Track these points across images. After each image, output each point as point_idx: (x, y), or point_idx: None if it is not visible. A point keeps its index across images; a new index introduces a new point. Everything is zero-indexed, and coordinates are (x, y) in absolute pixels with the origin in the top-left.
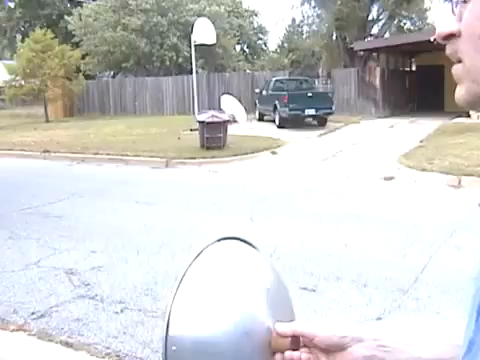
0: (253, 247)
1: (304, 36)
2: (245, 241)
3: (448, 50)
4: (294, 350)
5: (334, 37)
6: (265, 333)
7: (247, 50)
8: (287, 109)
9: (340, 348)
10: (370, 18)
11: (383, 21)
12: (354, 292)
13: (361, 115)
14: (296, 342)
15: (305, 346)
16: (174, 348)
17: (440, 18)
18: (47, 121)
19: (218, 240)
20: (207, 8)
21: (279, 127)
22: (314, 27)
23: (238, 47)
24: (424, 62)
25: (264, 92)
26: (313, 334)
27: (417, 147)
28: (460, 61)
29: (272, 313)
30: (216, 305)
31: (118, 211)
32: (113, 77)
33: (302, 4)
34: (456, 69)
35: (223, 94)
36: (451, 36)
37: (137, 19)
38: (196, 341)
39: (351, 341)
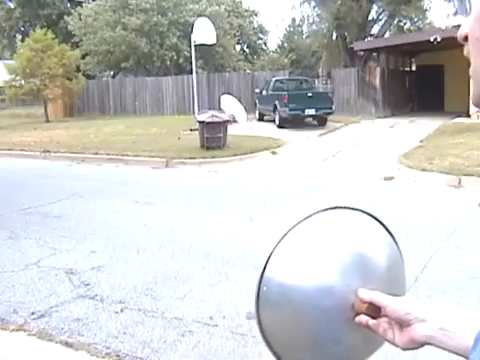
0: (380, 223)
1: (304, 36)
2: (373, 217)
3: (465, 51)
4: (373, 317)
5: (334, 37)
6: (349, 295)
7: (247, 50)
8: (287, 109)
9: (406, 323)
10: (370, 18)
11: (383, 21)
12: None
13: (361, 115)
14: (375, 310)
15: (386, 316)
16: (265, 288)
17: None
18: (47, 121)
19: (339, 208)
20: (207, 8)
21: (279, 127)
22: (314, 27)
23: (238, 47)
24: (424, 62)
25: (264, 92)
26: (386, 305)
27: (417, 147)
28: None
29: (368, 280)
30: (307, 259)
31: (118, 211)
32: (113, 77)
33: (302, 4)
34: (470, 69)
35: (223, 94)
36: (467, 38)
37: (137, 19)
38: (282, 285)
39: (414, 319)
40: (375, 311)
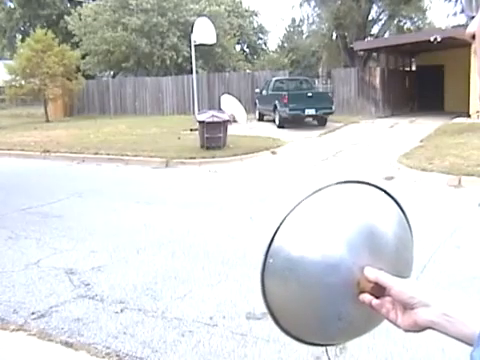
0: (394, 200)
1: (304, 36)
2: (387, 193)
3: (472, 49)
4: (377, 297)
5: (334, 37)
6: (356, 272)
7: (247, 50)
8: (287, 109)
9: (410, 307)
10: (370, 18)
11: (383, 21)
12: None
13: (361, 115)
14: (379, 289)
15: (390, 296)
16: (271, 260)
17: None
18: (47, 121)
19: (351, 182)
20: (207, 8)
21: (279, 127)
22: (314, 27)
23: (238, 47)
24: (424, 62)
25: (264, 92)
26: (391, 286)
27: (417, 147)
28: None
29: (376, 259)
30: (316, 233)
31: (118, 211)
32: (113, 77)
33: (302, 4)
34: (476, 67)
35: (223, 94)
36: (475, 36)
37: (137, 19)
38: (289, 258)
39: (418, 303)
40: (380, 291)
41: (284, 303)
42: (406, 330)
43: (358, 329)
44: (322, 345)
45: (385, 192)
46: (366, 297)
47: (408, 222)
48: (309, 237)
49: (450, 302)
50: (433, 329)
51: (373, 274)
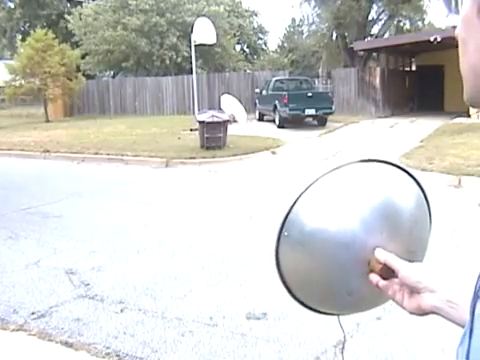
0: (415, 181)
1: (304, 36)
2: (409, 173)
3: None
4: (385, 278)
5: (334, 37)
6: (367, 251)
7: (247, 50)
8: (287, 109)
9: (416, 290)
10: (370, 18)
11: (383, 21)
12: None
13: (361, 115)
14: (388, 271)
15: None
16: (286, 233)
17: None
18: (47, 121)
19: (373, 161)
20: (206, 8)
21: (279, 127)
22: (314, 27)
23: (238, 47)
24: (424, 62)
25: (264, 92)
26: (398, 270)
27: (417, 147)
28: None
29: (389, 239)
30: (330, 210)
31: (118, 211)
32: (113, 77)
33: (302, 4)
34: (460, 68)
35: (223, 94)
36: None
37: (137, 19)
38: (303, 232)
39: (424, 289)
40: (388, 272)
41: (297, 276)
42: (411, 313)
43: (368, 303)
44: (334, 314)
45: (407, 172)
46: (374, 278)
47: (428, 203)
48: (324, 213)
49: (455, 289)
50: (437, 314)
51: (383, 256)
